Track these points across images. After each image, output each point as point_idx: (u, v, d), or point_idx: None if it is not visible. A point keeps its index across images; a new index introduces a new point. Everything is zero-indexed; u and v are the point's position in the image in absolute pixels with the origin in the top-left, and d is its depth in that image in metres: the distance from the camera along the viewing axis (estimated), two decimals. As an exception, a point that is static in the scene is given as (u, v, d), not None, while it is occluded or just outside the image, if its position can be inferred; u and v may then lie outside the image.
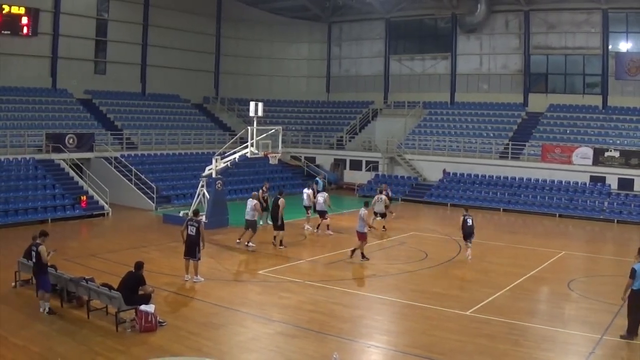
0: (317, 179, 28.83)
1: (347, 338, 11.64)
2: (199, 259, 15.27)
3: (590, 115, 33.74)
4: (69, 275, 13.07)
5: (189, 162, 32.05)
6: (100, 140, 30.04)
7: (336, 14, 42.28)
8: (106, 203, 25.87)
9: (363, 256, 17.89)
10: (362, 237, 17.91)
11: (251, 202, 19.74)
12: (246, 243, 19.52)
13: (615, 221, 27.05)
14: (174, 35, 38.36)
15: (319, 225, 22.52)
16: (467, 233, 18.25)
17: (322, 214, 22.45)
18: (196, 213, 16.03)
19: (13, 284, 14.22)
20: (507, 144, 33.15)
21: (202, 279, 15.32)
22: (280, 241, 19.55)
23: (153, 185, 27.73)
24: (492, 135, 34.84)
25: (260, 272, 16.57)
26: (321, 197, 22.66)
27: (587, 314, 13.43)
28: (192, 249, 15.14)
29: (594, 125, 32.81)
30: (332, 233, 22.03)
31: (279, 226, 19.58)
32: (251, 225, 19.55)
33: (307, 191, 23.65)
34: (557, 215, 28.32)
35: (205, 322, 12.20)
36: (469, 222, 18.26)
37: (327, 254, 18.97)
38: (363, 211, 17.95)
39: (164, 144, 33.41)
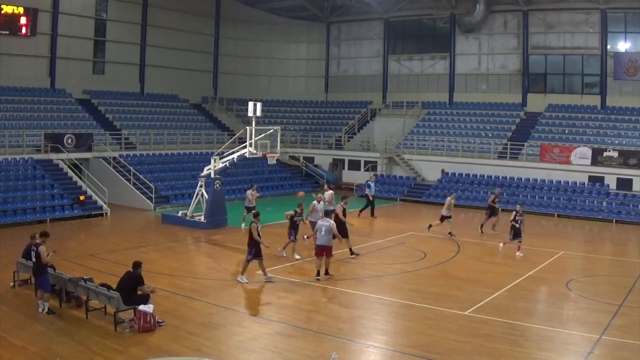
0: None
1: (346, 338, 11.63)
2: (248, 260, 15.07)
3: (588, 115, 33.77)
4: (67, 275, 13.06)
5: (188, 162, 32.08)
6: (99, 140, 30.02)
7: (335, 14, 42.28)
8: (105, 203, 25.85)
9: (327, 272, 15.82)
10: (330, 252, 15.67)
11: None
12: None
13: (614, 221, 27.09)
14: (172, 35, 38.35)
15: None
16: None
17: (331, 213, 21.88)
18: (256, 215, 15.68)
19: (11, 284, 14.22)
20: (506, 144, 33.17)
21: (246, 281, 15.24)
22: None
23: (152, 185, 27.72)
24: (490, 135, 34.87)
25: (258, 272, 16.52)
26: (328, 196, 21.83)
27: (586, 314, 13.45)
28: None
29: (593, 125, 32.85)
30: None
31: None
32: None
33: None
34: (556, 215, 28.35)
35: (204, 322, 12.19)
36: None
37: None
38: (330, 221, 15.74)
39: (162, 143, 33.40)
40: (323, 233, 15.35)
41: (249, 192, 22.85)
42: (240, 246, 19.92)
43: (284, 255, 17.98)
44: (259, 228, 15.23)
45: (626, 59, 32.85)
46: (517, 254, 19.10)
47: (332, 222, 15.67)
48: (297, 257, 17.81)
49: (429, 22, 40.47)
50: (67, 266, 15.19)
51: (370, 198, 26.37)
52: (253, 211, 16.15)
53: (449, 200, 22.57)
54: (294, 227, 17.88)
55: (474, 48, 38.00)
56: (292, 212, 18.03)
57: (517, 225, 19.07)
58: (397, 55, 41.07)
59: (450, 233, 22.09)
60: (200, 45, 40.57)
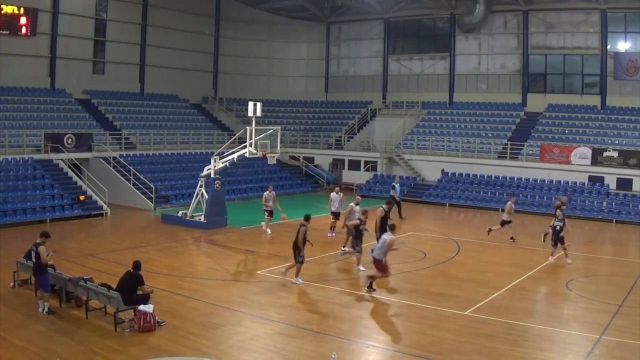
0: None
1: (346, 338, 11.63)
2: (299, 262, 15.17)
3: (588, 115, 33.77)
4: (67, 275, 13.06)
5: (188, 162, 32.07)
6: (99, 140, 30.02)
7: (335, 14, 42.28)
8: (105, 203, 25.84)
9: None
10: (381, 267, 14.50)
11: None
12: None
13: (614, 221, 27.07)
14: (172, 35, 38.37)
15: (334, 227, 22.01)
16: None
17: (337, 215, 21.86)
18: (307, 218, 15.52)
19: (12, 284, 14.22)
20: (506, 144, 33.15)
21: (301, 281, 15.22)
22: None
23: (152, 185, 27.71)
24: (490, 135, 34.86)
25: (258, 272, 16.56)
26: (337, 199, 22.16)
27: (586, 314, 13.44)
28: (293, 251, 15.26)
29: (593, 125, 32.84)
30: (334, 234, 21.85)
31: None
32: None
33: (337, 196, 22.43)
34: (556, 215, 28.31)
35: (204, 322, 12.19)
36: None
37: (326, 254, 18.93)
38: (390, 236, 14.45)
39: (162, 143, 33.39)
40: (378, 245, 14.52)
41: (266, 193, 22.47)
42: (240, 246, 19.98)
43: (362, 269, 16.70)
44: (307, 233, 15.13)
45: (626, 59, 32.84)
46: (550, 259, 18.32)
47: (392, 238, 14.28)
48: (362, 268, 16.65)
49: (428, 22, 40.46)
50: (67, 266, 15.19)
51: (397, 199, 26.46)
52: (305, 214, 15.86)
53: (509, 204, 21.60)
54: (358, 237, 17.27)
55: (474, 48, 37.98)
56: (356, 222, 17.44)
57: (557, 229, 18.11)
58: (397, 55, 41.07)
59: (512, 238, 21.21)
60: (200, 45, 40.57)
